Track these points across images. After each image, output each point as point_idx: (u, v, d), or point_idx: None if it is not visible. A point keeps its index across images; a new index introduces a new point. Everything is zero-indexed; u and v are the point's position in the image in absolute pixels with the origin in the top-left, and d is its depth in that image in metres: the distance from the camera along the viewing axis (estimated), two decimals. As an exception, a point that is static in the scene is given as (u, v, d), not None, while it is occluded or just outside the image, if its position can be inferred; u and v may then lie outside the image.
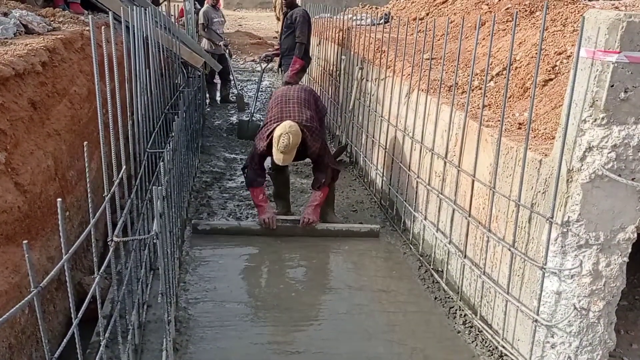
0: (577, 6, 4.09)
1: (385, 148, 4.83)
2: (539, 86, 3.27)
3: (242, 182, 5.48)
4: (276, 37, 12.71)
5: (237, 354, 2.92)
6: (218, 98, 9.54)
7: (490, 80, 3.81)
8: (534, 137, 2.86)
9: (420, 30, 4.82)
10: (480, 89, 3.68)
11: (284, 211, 4.64)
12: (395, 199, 4.60)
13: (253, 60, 13.59)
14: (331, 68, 7.36)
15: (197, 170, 5.70)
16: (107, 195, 2.17)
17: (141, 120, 3.32)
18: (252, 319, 3.25)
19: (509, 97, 3.46)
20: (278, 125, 4.07)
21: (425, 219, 3.92)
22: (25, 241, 1.33)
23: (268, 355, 2.94)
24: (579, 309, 2.49)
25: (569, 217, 2.41)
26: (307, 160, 5.26)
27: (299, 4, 7.59)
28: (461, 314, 3.28)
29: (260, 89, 8.57)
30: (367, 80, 5.63)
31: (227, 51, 9.46)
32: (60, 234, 1.53)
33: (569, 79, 2.39)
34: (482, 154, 3.10)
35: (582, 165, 2.35)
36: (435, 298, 3.51)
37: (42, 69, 3.06)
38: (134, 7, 3.60)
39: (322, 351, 2.99)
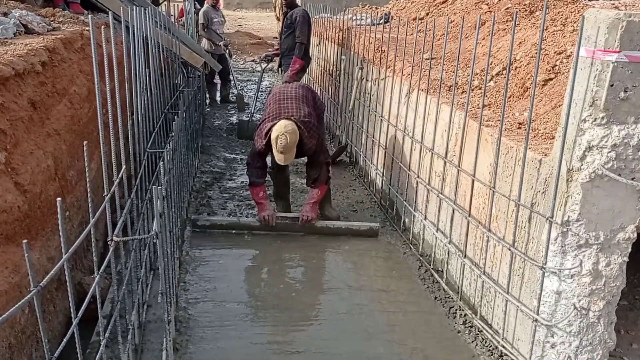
0: (577, 6, 4.09)
1: (385, 148, 4.83)
2: (538, 86, 3.27)
3: (242, 182, 5.50)
4: (276, 37, 12.70)
5: (237, 354, 2.92)
6: (218, 98, 9.54)
7: (490, 80, 3.81)
8: (534, 136, 2.86)
9: (420, 30, 4.82)
10: (480, 88, 3.68)
11: (283, 211, 4.64)
12: (395, 198, 4.60)
13: (253, 60, 13.59)
14: (331, 68, 7.36)
15: (197, 170, 5.70)
16: (107, 195, 2.17)
17: (141, 120, 3.31)
18: (252, 318, 3.25)
19: (509, 97, 3.46)
20: (275, 123, 4.07)
21: (425, 218, 3.92)
22: (25, 241, 1.33)
23: (268, 355, 2.94)
24: (579, 309, 2.49)
25: (568, 216, 2.41)
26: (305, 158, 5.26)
27: (299, 4, 7.58)
28: (461, 314, 3.28)
29: (260, 89, 8.56)
30: (367, 80, 5.63)
31: (227, 51, 9.46)
32: (60, 233, 1.53)
33: (569, 79, 2.40)
34: (482, 153, 3.10)
35: (582, 164, 2.35)
36: (435, 298, 3.51)
37: (42, 69, 3.06)
38: (134, 7, 3.60)
39: (322, 351, 2.99)
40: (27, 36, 3.58)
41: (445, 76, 3.97)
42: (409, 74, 4.40)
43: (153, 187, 2.45)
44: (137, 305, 2.73)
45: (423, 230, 3.97)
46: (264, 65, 7.96)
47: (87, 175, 1.99)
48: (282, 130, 3.99)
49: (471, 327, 3.17)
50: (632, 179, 2.34)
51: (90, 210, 1.91)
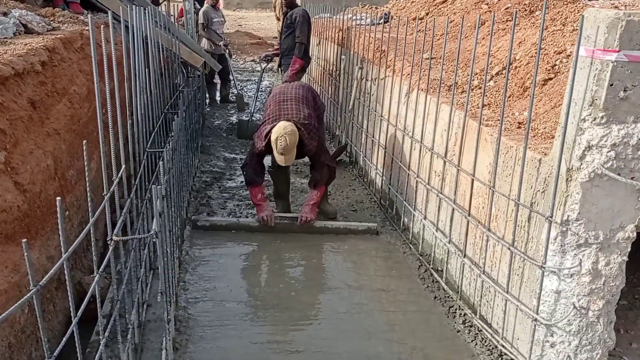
0: (576, 5, 4.09)
1: (385, 147, 4.83)
2: (538, 85, 3.27)
3: (241, 182, 5.49)
4: (276, 37, 12.71)
5: (237, 353, 2.92)
6: (218, 98, 9.54)
7: (489, 80, 3.81)
8: (534, 136, 2.86)
9: (420, 29, 4.82)
10: (479, 88, 3.68)
11: (283, 211, 4.64)
12: (395, 198, 4.60)
13: (253, 60, 13.59)
14: (331, 68, 7.36)
15: (197, 170, 5.70)
16: (106, 194, 2.17)
17: (141, 120, 3.31)
18: (251, 318, 3.25)
19: (509, 97, 3.47)
20: (275, 125, 4.08)
21: (425, 218, 3.92)
22: (24, 240, 1.33)
23: (268, 355, 2.94)
24: (579, 308, 2.49)
25: (568, 216, 2.41)
26: (307, 160, 5.26)
27: (299, 4, 7.58)
28: (461, 313, 3.28)
29: (260, 89, 8.56)
30: (366, 79, 5.63)
31: (227, 51, 9.46)
32: (60, 232, 1.53)
33: (569, 78, 2.40)
34: (481, 153, 3.10)
35: (582, 164, 2.35)
36: (435, 297, 3.51)
37: (41, 69, 3.06)
38: (134, 6, 3.60)
39: (322, 350, 2.99)
40: (27, 36, 3.58)
41: (445, 76, 3.97)
42: (408, 74, 4.40)
43: (152, 186, 2.45)
44: (136, 305, 2.73)
45: (423, 229, 3.97)
46: (263, 65, 7.96)
47: (86, 174, 1.99)
48: (281, 132, 4.00)
49: (471, 326, 3.17)
50: (632, 178, 2.34)
51: (89, 210, 1.91)
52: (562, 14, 4.00)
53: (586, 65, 2.30)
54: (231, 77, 9.41)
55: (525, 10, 4.76)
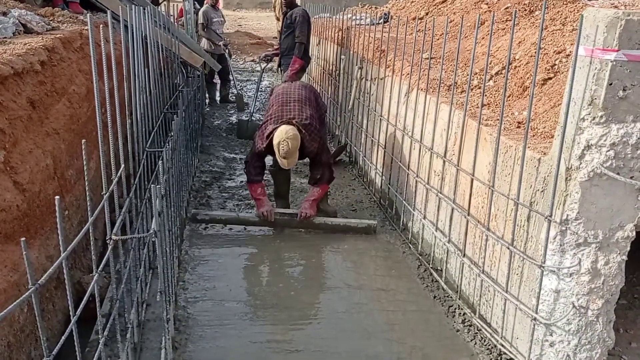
0: (576, 5, 4.09)
1: (385, 147, 4.83)
2: (538, 85, 3.27)
3: (241, 181, 5.50)
4: (276, 37, 12.71)
5: (236, 353, 2.92)
6: (217, 98, 9.54)
7: (489, 80, 3.82)
8: (533, 135, 2.86)
9: (419, 29, 4.82)
10: (479, 88, 3.68)
11: (283, 208, 4.64)
12: (395, 198, 4.60)
13: (253, 60, 13.59)
14: (331, 68, 7.36)
15: (197, 169, 5.70)
16: (105, 193, 2.17)
17: (140, 120, 3.32)
18: (251, 317, 3.25)
19: (509, 96, 3.47)
20: (277, 127, 4.09)
21: (425, 218, 3.92)
22: (23, 239, 1.32)
23: (267, 354, 2.94)
24: (578, 308, 2.49)
25: (567, 215, 2.41)
26: (306, 160, 5.25)
27: (299, 4, 7.58)
28: (460, 313, 3.28)
29: (260, 89, 8.56)
30: (366, 79, 5.63)
31: (227, 51, 9.46)
32: (59, 231, 1.53)
33: (568, 77, 2.40)
34: (481, 152, 3.11)
35: (581, 163, 2.35)
36: (435, 297, 3.51)
37: (41, 68, 3.06)
38: (133, 6, 3.60)
39: (321, 350, 2.99)
40: (26, 35, 3.58)
41: (445, 76, 3.97)
42: (408, 74, 4.40)
43: (152, 185, 2.45)
44: (136, 304, 2.73)
45: (422, 229, 3.97)
46: (263, 65, 7.96)
47: (85, 174, 1.99)
48: (283, 137, 4.02)
49: (470, 326, 3.17)
50: (631, 177, 2.34)
51: (88, 209, 1.91)
52: (561, 14, 4.00)
53: (585, 65, 2.29)
54: (231, 77, 9.41)
55: (525, 10, 4.76)
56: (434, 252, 3.77)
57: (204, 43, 8.77)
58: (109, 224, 2.24)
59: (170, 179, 3.09)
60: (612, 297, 2.51)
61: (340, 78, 6.70)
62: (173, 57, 5.41)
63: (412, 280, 3.74)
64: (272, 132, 4.12)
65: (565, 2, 4.42)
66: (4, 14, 3.73)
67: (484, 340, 3.03)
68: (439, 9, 6.41)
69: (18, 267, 2.39)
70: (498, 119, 2.95)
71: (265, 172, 4.53)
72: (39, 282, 1.37)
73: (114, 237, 2.16)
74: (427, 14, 6.46)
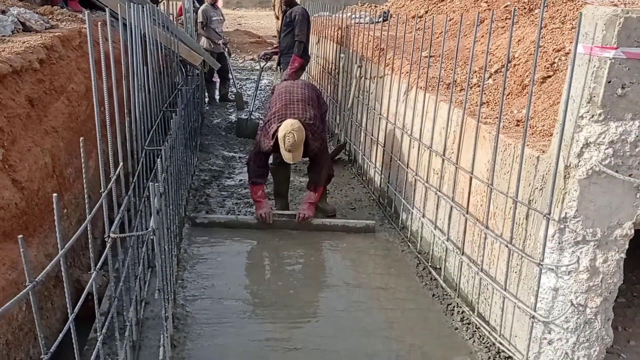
0: (575, 3, 4.08)
1: (384, 146, 4.83)
2: (537, 83, 3.27)
3: (240, 180, 5.50)
4: (275, 36, 12.70)
5: (235, 351, 2.92)
6: (217, 97, 9.54)
7: (488, 78, 3.81)
8: (532, 134, 2.86)
9: (419, 28, 4.82)
10: (478, 86, 3.68)
11: (281, 209, 4.65)
12: (394, 196, 4.60)
13: (252, 59, 13.58)
14: (330, 66, 7.35)
15: (196, 168, 5.70)
16: (103, 191, 2.17)
17: (139, 118, 3.31)
18: (250, 316, 3.26)
19: (508, 94, 3.47)
20: (281, 124, 4.09)
21: (424, 216, 3.92)
22: (20, 236, 1.32)
23: (266, 352, 2.94)
24: (576, 305, 2.49)
25: (566, 213, 2.41)
26: (306, 159, 5.25)
27: (298, 2, 7.58)
28: (459, 311, 3.28)
29: (259, 88, 8.56)
30: (365, 78, 5.62)
31: (226, 50, 9.46)
32: (56, 229, 1.53)
33: (567, 75, 2.39)
34: (480, 151, 3.10)
35: (580, 161, 2.35)
36: (433, 295, 3.51)
37: (39, 66, 3.06)
38: (132, 4, 3.60)
39: (320, 348, 2.99)
40: (25, 34, 3.58)
41: (444, 74, 3.97)
42: (407, 72, 4.40)
43: (150, 183, 2.45)
44: (134, 302, 2.73)
45: (421, 227, 3.97)
46: (262, 64, 7.96)
47: (84, 172, 1.99)
48: (289, 129, 4.02)
49: (469, 324, 3.17)
50: (630, 175, 2.34)
51: (87, 207, 1.91)
52: (561, 12, 4.00)
53: (584, 63, 2.29)
54: (230, 76, 9.41)
55: (525, 8, 4.76)
56: (432, 250, 3.77)
57: (204, 42, 8.76)
58: (107, 222, 2.24)
59: (169, 178, 3.09)
60: (611, 295, 2.51)
61: (340, 77, 6.70)
62: (172, 55, 5.41)
63: (411, 278, 3.74)
64: (277, 130, 4.13)
65: (564, 1, 4.41)
66: (3, 12, 3.73)
67: (483, 338, 3.03)
68: (439, 7, 6.40)
69: (17, 265, 2.39)
70: (497, 117, 2.95)
71: (267, 173, 4.52)
72: (36, 279, 1.37)
73: (112, 235, 2.16)
74: (426, 12, 6.46)
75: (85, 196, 1.92)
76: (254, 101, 8.02)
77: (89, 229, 1.90)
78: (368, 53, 5.56)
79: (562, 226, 2.43)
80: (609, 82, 2.23)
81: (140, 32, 3.64)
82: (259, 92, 8.41)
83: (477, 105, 3.19)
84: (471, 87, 3.68)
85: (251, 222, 4.38)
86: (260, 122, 5.49)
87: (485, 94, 3.56)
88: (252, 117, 7.47)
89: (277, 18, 10.92)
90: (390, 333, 3.14)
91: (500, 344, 2.87)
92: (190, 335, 3.01)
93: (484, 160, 3.06)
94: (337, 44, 6.97)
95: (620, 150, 2.31)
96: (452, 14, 5.76)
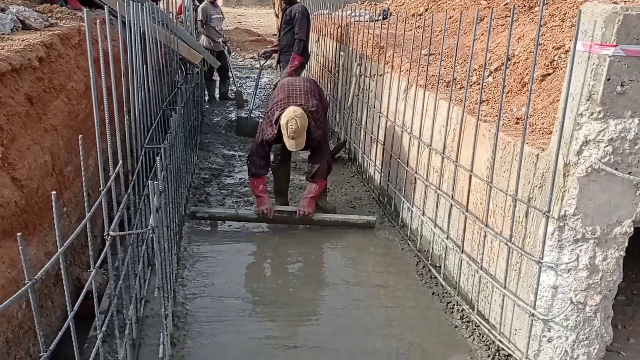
0: (575, 1, 4.08)
1: (384, 144, 4.83)
2: (537, 81, 3.27)
3: (240, 178, 5.50)
4: (275, 34, 12.70)
5: (235, 349, 2.92)
6: (217, 95, 9.53)
7: (488, 76, 3.81)
8: (532, 131, 2.86)
9: (418, 26, 4.82)
10: (478, 84, 3.67)
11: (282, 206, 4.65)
12: (394, 194, 4.60)
13: (252, 57, 13.57)
14: (330, 64, 7.35)
15: (196, 166, 5.70)
16: (102, 189, 2.17)
17: (138, 116, 3.31)
18: (249, 314, 3.26)
19: (507, 92, 3.46)
20: (283, 112, 4.08)
21: (423, 214, 3.92)
22: (19, 234, 1.32)
23: (266, 350, 2.95)
24: (576, 303, 2.49)
25: (565, 211, 2.41)
26: (306, 157, 5.25)
27: (298, 0, 7.57)
28: (458, 309, 3.28)
29: (259, 86, 8.55)
30: (365, 76, 5.62)
31: (226, 48, 9.45)
32: (55, 226, 1.53)
33: (566, 73, 2.39)
34: (479, 149, 3.10)
35: (579, 159, 2.35)
36: (433, 293, 3.51)
37: (38, 64, 3.06)
38: (131, 2, 3.59)
39: (320, 346, 2.99)
40: (25, 32, 3.58)
41: (444, 72, 3.97)
42: (407, 70, 4.39)
43: (149, 181, 2.45)
44: (134, 301, 2.73)
45: (421, 226, 3.97)
46: (262, 62, 7.95)
47: (83, 170, 1.99)
48: (291, 115, 4.02)
49: (468, 322, 3.17)
50: (629, 173, 2.33)
51: (86, 205, 1.91)
52: (561, 10, 3.99)
53: (583, 60, 2.29)
54: (230, 74, 9.41)
55: (525, 6, 4.75)
56: (432, 248, 3.77)
57: (203, 40, 8.75)
58: (106, 220, 2.24)
59: (168, 176, 3.09)
60: (610, 293, 2.51)
61: (340, 75, 6.69)
62: (172, 53, 5.40)
63: (411, 276, 3.75)
64: (280, 117, 4.12)
65: (564, -2, 4.41)
66: (2, 10, 3.72)
67: (482, 336, 3.03)
68: (438, 5, 6.40)
69: (16, 264, 2.39)
70: (497, 115, 2.95)
71: (268, 166, 4.49)
72: (35, 277, 1.37)
73: (111, 233, 2.16)
74: (426, 10, 6.45)
75: (85, 194, 1.92)
76: (254, 99, 8.02)
77: (88, 226, 1.91)
78: (368, 51, 5.55)
79: (561, 224, 2.43)
80: (609, 79, 2.23)
81: (140, 30, 3.63)
82: (258, 90, 8.40)
83: (476, 103, 3.18)
84: (471, 85, 3.68)
85: (251, 217, 4.36)
86: (261, 119, 5.49)
87: (484, 91, 3.56)
88: (252, 115, 7.47)
89: (277, 16, 10.91)
90: (390, 331, 3.15)
91: (500, 341, 2.87)
92: (190, 333, 3.01)
93: (484, 158, 3.06)
94: (337, 42, 6.97)
95: (620, 148, 2.31)
96: (451, 11, 5.76)
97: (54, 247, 2.90)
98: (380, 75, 5.06)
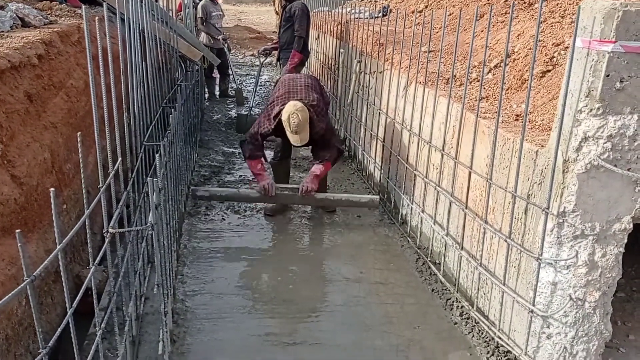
0: (575, -2, 4.07)
1: (384, 141, 4.83)
2: (536, 78, 3.26)
3: (240, 175, 5.51)
4: (275, 32, 12.69)
5: (235, 346, 2.93)
6: (217, 92, 9.53)
7: (488, 73, 3.81)
8: (531, 128, 2.86)
9: (418, 22, 4.81)
10: (478, 81, 3.67)
11: (281, 204, 4.64)
12: (393, 191, 4.60)
13: (252, 55, 13.56)
14: (330, 62, 7.34)
15: (196, 164, 5.70)
16: (102, 186, 2.17)
17: (138, 114, 3.31)
18: (249, 311, 3.26)
19: (507, 89, 3.46)
20: (284, 107, 4.08)
21: (423, 211, 3.92)
22: (18, 230, 1.33)
23: (265, 347, 2.95)
24: (575, 300, 2.49)
25: (564, 207, 2.41)
26: (306, 154, 5.26)
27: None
28: (458, 306, 3.29)
29: (259, 83, 8.55)
30: (365, 73, 5.62)
31: (226, 45, 9.44)
32: (54, 223, 1.53)
33: (565, 69, 2.39)
34: (479, 145, 3.10)
35: (578, 155, 2.34)
36: (433, 290, 3.52)
37: (38, 62, 3.06)
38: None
39: (320, 342, 3.00)
40: (24, 29, 3.57)
41: (443, 69, 3.96)
42: (407, 67, 4.39)
43: (149, 178, 2.45)
44: (134, 298, 2.74)
45: (421, 223, 3.97)
46: (262, 60, 7.94)
47: (81, 167, 1.99)
48: (292, 110, 4.02)
49: (468, 318, 3.17)
50: (628, 169, 2.33)
51: (85, 202, 1.91)
52: (560, 6, 3.98)
53: (582, 56, 2.29)
54: (230, 72, 9.40)
55: (524, 2, 4.74)
56: (432, 245, 3.78)
57: (203, 37, 8.75)
58: (106, 217, 2.24)
59: (168, 173, 3.09)
60: (609, 289, 2.51)
61: (340, 72, 6.69)
62: (172, 51, 5.40)
63: (411, 273, 3.75)
64: (279, 112, 4.11)
65: (564, -5, 4.40)
66: (2, 7, 3.72)
67: (482, 333, 3.03)
68: (438, 1, 6.39)
69: (16, 261, 2.40)
70: (496, 112, 2.94)
71: (264, 150, 4.47)
72: (34, 273, 1.37)
73: (110, 230, 2.17)
74: (426, 7, 6.44)
75: (84, 191, 1.92)
76: (254, 97, 8.01)
77: (87, 224, 1.91)
78: (368, 48, 5.55)
79: (560, 220, 2.43)
80: (608, 76, 2.22)
81: (139, 28, 3.63)
82: (258, 87, 8.40)
83: (476, 100, 3.18)
84: (470, 82, 3.68)
85: (253, 195, 4.33)
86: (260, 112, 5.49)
87: (484, 88, 3.56)
88: (252, 112, 7.46)
89: (277, 13, 10.89)
90: (390, 328, 3.15)
91: (500, 338, 2.88)
92: (190, 330, 3.02)
93: (483, 155, 3.06)
94: (337, 39, 6.96)
95: (619, 145, 2.30)
96: (451, 8, 5.75)
97: (53, 245, 2.90)
98: (380, 73, 5.06)
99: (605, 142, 2.30)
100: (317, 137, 4.27)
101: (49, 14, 4.14)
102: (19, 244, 1.32)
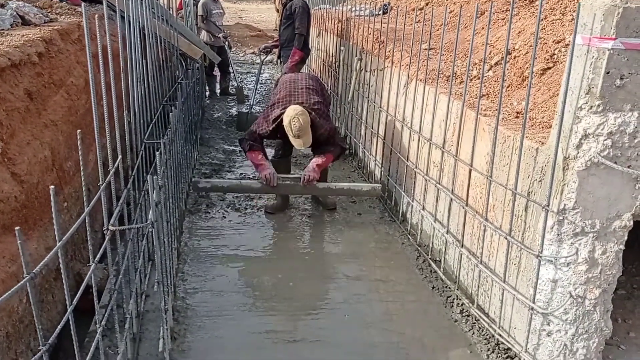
0: (576, -5, 4.06)
1: (384, 139, 4.83)
2: (537, 75, 3.26)
3: (241, 173, 5.51)
4: (276, 30, 12.68)
5: (235, 343, 2.93)
6: (217, 90, 9.53)
7: (488, 70, 3.80)
8: (532, 125, 2.86)
9: (419, 20, 4.80)
10: (478, 78, 3.67)
11: (282, 202, 4.64)
12: (394, 189, 4.60)
13: (253, 53, 13.55)
14: (330, 59, 7.33)
15: (196, 162, 5.70)
16: (102, 184, 2.17)
17: (138, 112, 3.31)
18: (250, 308, 3.27)
19: (508, 86, 3.46)
20: (284, 111, 4.08)
21: (424, 209, 3.92)
22: (17, 228, 1.33)
23: (266, 344, 2.96)
24: (575, 297, 2.49)
25: (564, 205, 2.41)
26: (306, 152, 5.25)
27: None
28: (458, 303, 3.29)
29: (260, 81, 8.55)
30: (365, 71, 5.61)
31: (227, 43, 9.44)
32: (54, 220, 1.53)
33: (565, 66, 2.38)
34: (479, 143, 3.10)
35: (578, 152, 2.34)
36: (433, 287, 3.52)
37: (38, 60, 3.06)
38: (131, -3, 3.59)
39: (320, 340, 3.00)
40: (24, 27, 3.57)
41: (444, 66, 3.96)
42: (407, 65, 4.38)
43: (149, 176, 2.45)
44: (135, 295, 2.74)
45: (421, 220, 3.97)
46: (263, 57, 7.94)
47: (81, 165, 1.99)
48: (293, 114, 4.03)
49: (468, 316, 3.18)
50: (629, 166, 2.33)
51: (85, 199, 1.91)
52: (561, 3, 3.97)
53: (583, 53, 2.28)
54: (231, 70, 9.40)
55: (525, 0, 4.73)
56: (432, 243, 3.78)
57: (204, 35, 8.74)
58: (106, 215, 2.25)
59: (168, 171, 3.10)
60: (610, 286, 2.51)
61: (340, 69, 6.68)
62: (172, 49, 5.40)
63: (411, 271, 3.75)
64: (279, 116, 4.11)
65: (565, -8, 4.38)
66: (2, 5, 3.72)
67: (482, 330, 3.04)
68: (439, -1, 6.37)
69: (16, 258, 2.40)
70: (496, 109, 2.94)
71: (263, 145, 4.48)
72: (34, 271, 1.37)
73: (110, 227, 2.17)
74: (427, 4, 6.43)
75: (84, 189, 1.93)
76: (255, 95, 8.01)
77: (87, 221, 1.91)
78: (368, 46, 5.54)
79: (561, 218, 2.43)
80: (608, 73, 2.22)
81: (139, 26, 3.63)
82: (259, 85, 8.40)
83: (476, 98, 3.18)
84: (471, 79, 3.67)
85: (255, 186, 4.32)
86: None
87: (484, 86, 3.55)
88: (252, 110, 7.46)
89: (278, 11, 10.88)
90: (390, 325, 3.15)
91: (500, 335, 2.88)
92: (191, 327, 3.02)
93: (484, 152, 3.06)
94: (338, 36, 6.95)
95: (619, 142, 2.30)
96: (452, 5, 5.74)
97: (54, 242, 2.89)
98: (381, 70, 5.05)
99: (606, 139, 2.29)
100: (322, 138, 4.28)
101: (49, 12, 4.14)
102: (19, 242, 1.32)
